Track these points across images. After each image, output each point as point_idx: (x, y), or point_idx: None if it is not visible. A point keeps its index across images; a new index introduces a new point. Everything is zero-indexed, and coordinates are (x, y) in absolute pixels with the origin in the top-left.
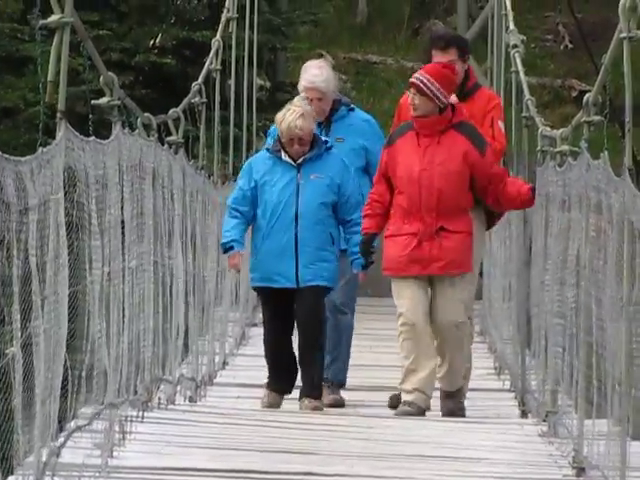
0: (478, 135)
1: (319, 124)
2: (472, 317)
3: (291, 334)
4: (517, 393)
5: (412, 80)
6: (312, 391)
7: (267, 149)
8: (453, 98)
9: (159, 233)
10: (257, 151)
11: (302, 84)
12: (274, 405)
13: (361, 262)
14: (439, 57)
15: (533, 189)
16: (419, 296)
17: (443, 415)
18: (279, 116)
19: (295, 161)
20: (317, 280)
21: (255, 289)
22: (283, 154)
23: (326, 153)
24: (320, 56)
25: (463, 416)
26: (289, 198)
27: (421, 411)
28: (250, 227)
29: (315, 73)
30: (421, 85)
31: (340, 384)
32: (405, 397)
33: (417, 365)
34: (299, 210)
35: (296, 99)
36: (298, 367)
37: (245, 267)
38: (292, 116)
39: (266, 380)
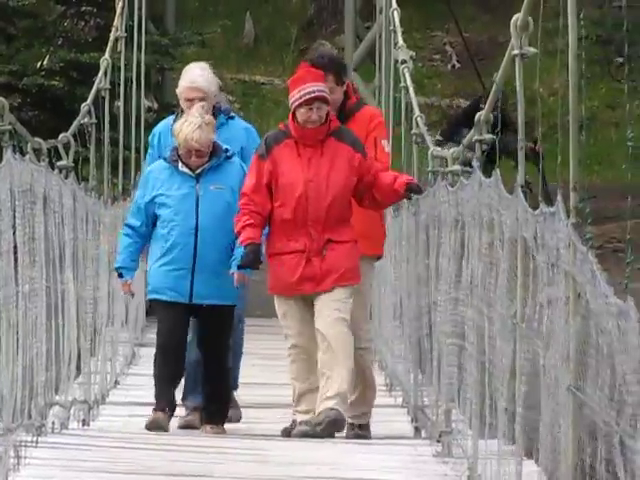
0: (355, 138)
1: None
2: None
3: (184, 346)
4: (410, 409)
5: (317, 94)
6: (213, 417)
7: (164, 158)
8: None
9: (50, 257)
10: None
11: (182, 85)
12: (160, 425)
13: (235, 264)
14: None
15: (409, 187)
16: (308, 317)
17: (330, 429)
18: (176, 127)
19: (194, 171)
20: (212, 299)
21: (152, 301)
22: (180, 165)
23: (226, 162)
24: None
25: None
26: (189, 210)
27: (315, 429)
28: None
29: (198, 73)
30: (326, 95)
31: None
32: (301, 417)
33: (310, 386)
34: (199, 223)
35: (194, 108)
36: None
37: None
38: (189, 128)
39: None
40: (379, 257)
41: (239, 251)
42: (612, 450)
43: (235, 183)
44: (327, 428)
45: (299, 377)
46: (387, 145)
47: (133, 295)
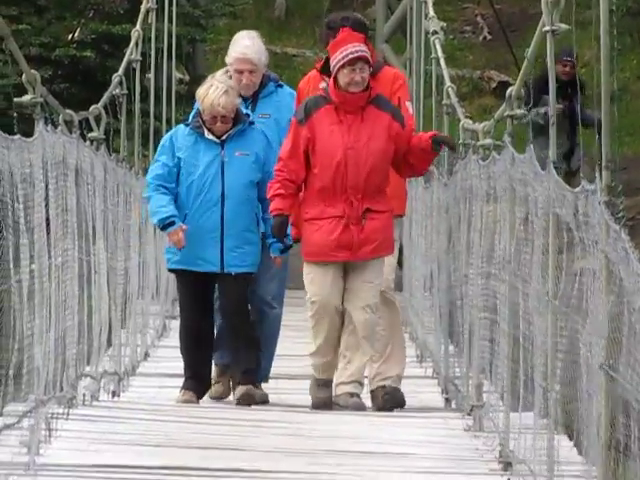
0: (395, 108)
1: (244, 99)
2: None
3: (211, 322)
4: (440, 380)
5: (360, 54)
6: (246, 376)
7: (186, 124)
8: None
9: (82, 229)
10: None
11: (232, 55)
12: (190, 400)
13: (279, 246)
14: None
15: (435, 141)
16: (335, 287)
17: (348, 406)
18: (201, 92)
19: (219, 138)
20: (242, 267)
21: (173, 271)
22: (205, 131)
23: (249, 128)
24: None
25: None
26: (214, 177)
27: (325, 399)
28: None
29: (247, 44)
30: (367, 56)
31: (263, 380)
32: (316, 374)
33: (328, 349)
34: (225, 190)
35: (218, 73)
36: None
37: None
38: (215, 93)
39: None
40: (401, 216)
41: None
42: None
43: (259, 149)
44: (347, 406)
45: (318, 338)
46: (411, 106)
47: (183, 247)
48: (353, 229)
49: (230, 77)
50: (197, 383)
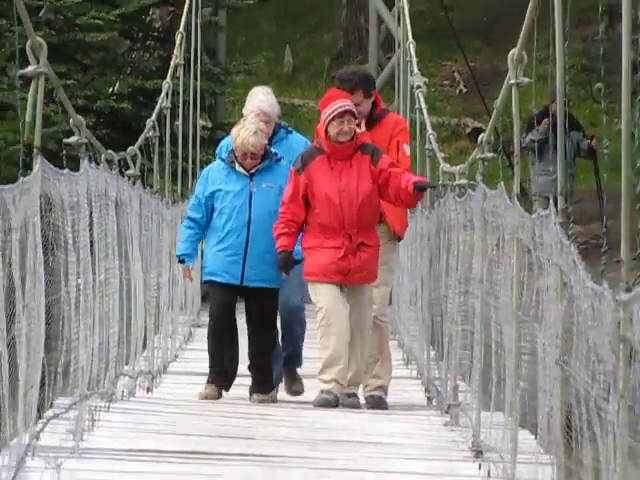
0: (375, 149)
1: None
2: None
3: (233, 326)
4: (423, 381)
5: (347, 108)
6: (260, 387)
7: (222, 159)
8: (363, 127)
9: (122, 251)
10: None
11: (249, 108)
12: (212, 396)
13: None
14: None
15: (417, 186)
16: (338, 295)
17: (374, 406)
18: (234, 132)
19: (248, 171)
20: (260, 282)
21: (206, 282)
22: (237, 165)
23: (275, 164)
24: None
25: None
26: (242, 204)
27: (337, 399)
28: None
29: (262, 99)
30: (353, 110)
31: (298, 366)
32: (324, 386)
33: (335, 358)
34: (252, 216)
35: (249, 117)
36: (237, 365)
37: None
38: (246, 133)
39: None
40: (400, 239)
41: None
42: (590, 412)
43: (283, 182)
44: (346, 407)
45: (327, 346)
46: (408, 149)
47: (192, 279)
48: (350, 258)
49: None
50: (220, 377)
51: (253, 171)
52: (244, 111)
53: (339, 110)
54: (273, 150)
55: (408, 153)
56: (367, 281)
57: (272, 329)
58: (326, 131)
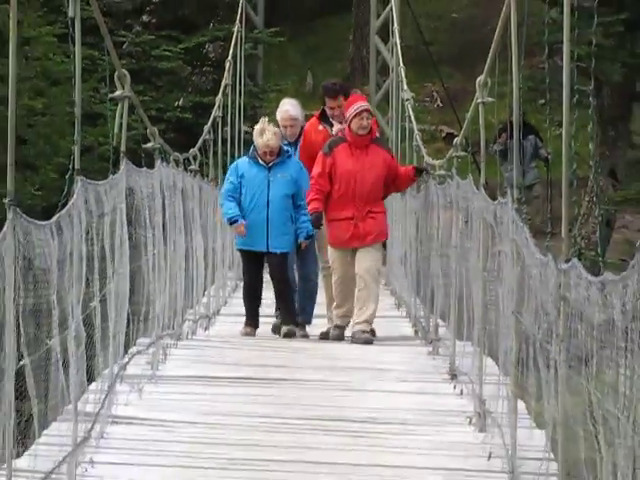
0: (387, 146)
1: (289, 143)
2: (381, 273)
3: (261, 284)
4: (411, 320)
5: (365, 107)
6: (287, 319)
7: (247, 156)
8: (339, 126)
9: (187, 227)
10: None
11: (280, 115)
12: (250, 334)
13: (304, 235)
14: (331, 102)
15: (416, 169)
16: (350, 261)
17: (360, 342)
18: (257, 130)
19: (267, 164)
20: (281, 248)
21: (238, 250)
22: (259, 160)
23: (288, 159)
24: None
25: (371, 342)
26: (262, 190)
27: (344, 331)
28: None
29: (289, 108)
30: (370, 109)
31: (307, 324)
32: (337, 322)
33: (345, 303)
34: (270, 198)
35: (269, 125)
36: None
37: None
38: (266, 136)
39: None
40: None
41: (304, 226)
42: (536, 351)
43: (294, 173)
44: (358, 342)
45: (339, 297)
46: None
47: (244, 235)
48: (360, 225)
49: (277, 126)
50: (253, 321)
51: (270, 164)
52: (277, 116)
53: (359, 110)
54: (285, 148)
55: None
56: (379, 240)
57: (288, 279)
58: (350, 126)
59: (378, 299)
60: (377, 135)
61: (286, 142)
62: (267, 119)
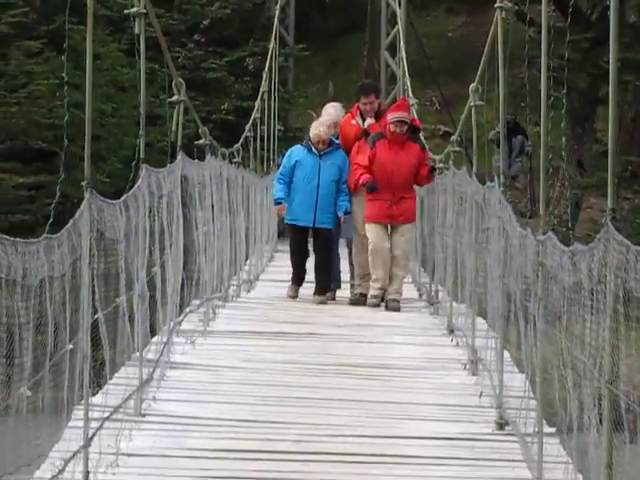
0: (422, 142)
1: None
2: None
3: (307, 254)
4: (415, 285)
5: (400, 119)
6: (320, 290)
7: (302, 144)
8: (369, 120)
9: (232, 209)
10: (279, 163)
11: (324, 116)
12: (294, 293)
13: (343, 210)
14: (364, 99)
15: (431, 169)
16: (384, 234)
17: (387, 309)
18: (314, 124)
19: (319, 152)
20: (326, 224)
21: (289, 224)
22: (313, 148)
23: (336, 150)
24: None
25: (398, 310)
26: (314, 174)
27: (379, 301)
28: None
29: (331, 111)
30: (406, 120)
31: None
32: (372, 292)
33: (380, 274)
34: (319, 182)
35: (324, 120)
36: (306, 274)
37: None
38: (320, 129)
39: (290, 279)
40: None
41: (343, 204)
42: (517, 308)
43: (340, 161)
44: (390, 309)
45: (375, 266)
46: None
47: (282, 215)
48: (394, 207)
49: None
50: (298, 281)
51: (322, 153)
52: (321, 118)
53: (396, 119)
54: (335, 141)
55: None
56: (409, 220)
57: (331, 252)
58: (388, 126)
59: (405, 272)
60: (420, 128)
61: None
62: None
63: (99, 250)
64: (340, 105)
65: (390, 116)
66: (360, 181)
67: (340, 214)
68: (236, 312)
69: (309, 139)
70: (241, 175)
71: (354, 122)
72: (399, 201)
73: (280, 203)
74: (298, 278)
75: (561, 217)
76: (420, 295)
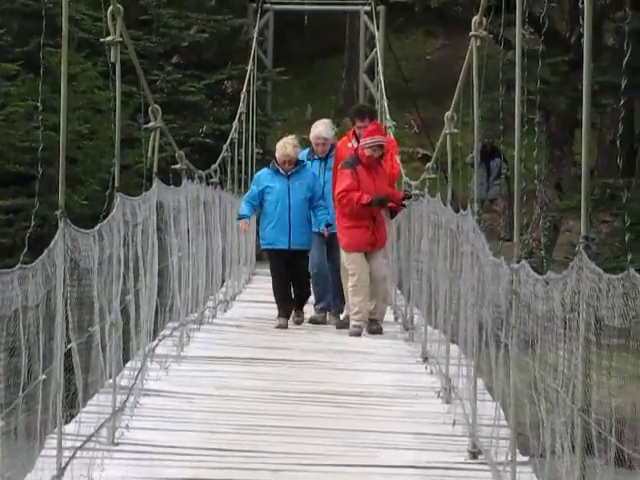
0: (380, 160)
1: (320, 158)
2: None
3: (289, 278)
4: (391, 307)
5: (378, 143)
6: (298, 309)
7: (268, 167)
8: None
9: (208, 231)
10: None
11: (313, 134)
12: (283, 326)
13: (324, 223)
14: (360, 122)
15: (405, 196)
16: (366, 264)
17: (369, 332)
18: (280, 144)
19: (286, 173)
20: (301, 245)
21: (265, 250)
22: (280, 169)
23: (303, 168)
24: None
25: (381, 332)
26: (284, 196)
27: (361, 331)
28: (256, 212)
29: (321, 129)
30: (383, 144)
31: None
32: (354, 323)
33: (362, 304)
34: (290, 203)
35: (289, 139)
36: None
37: (250, 234)
38: (286, 149)
39: (277, 312)
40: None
41: (322, 218)
42: (489, 336)
43: (309, 180)
44: (370, 332)
45: (357, 299)
46: (398, 158)
47: (245, 231)
48: (375, 234)
49: (294, 139)
50: (286, 314)
51: (289, 173)
52: (311, 136)
53: (373, 144)
54: (301, 158)
55: (399, 161)
56: (384, 244)
57: (306, 274)
58: (364, 150)
59: (385, 294)
60: (397, 150)
61: (317, 157)
62: (290, 137)
63: (72, 279)
64: (330, 122)
65: (369, 140)
66: (364, 202)
67: (322, 228)
68: (211, 335)
69: (275, 161)
70: (218, 196)
71: (350, 145)
72: (378, 226)
73: (242, 218)
74: (285, 310)
75: (539, 240)
76: (396, 318)
